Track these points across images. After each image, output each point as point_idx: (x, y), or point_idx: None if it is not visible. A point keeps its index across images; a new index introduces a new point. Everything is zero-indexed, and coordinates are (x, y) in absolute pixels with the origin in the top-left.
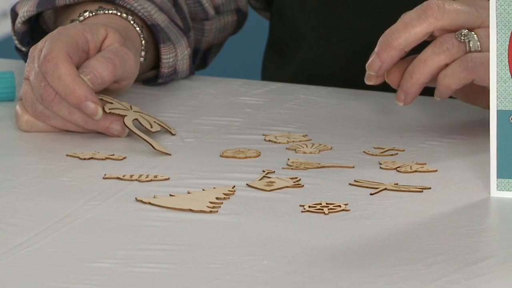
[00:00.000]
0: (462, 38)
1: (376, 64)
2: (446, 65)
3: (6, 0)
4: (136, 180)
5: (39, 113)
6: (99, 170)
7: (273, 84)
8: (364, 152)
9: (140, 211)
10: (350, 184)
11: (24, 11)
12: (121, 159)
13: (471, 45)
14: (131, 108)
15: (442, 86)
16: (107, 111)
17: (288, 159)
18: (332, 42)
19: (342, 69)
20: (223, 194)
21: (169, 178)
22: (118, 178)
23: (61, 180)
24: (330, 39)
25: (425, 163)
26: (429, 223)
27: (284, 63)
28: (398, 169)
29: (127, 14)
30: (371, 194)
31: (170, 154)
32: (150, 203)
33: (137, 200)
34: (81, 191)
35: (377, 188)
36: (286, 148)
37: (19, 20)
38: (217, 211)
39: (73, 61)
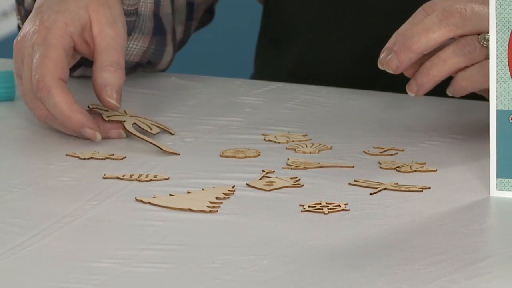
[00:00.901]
0: (485, 43)
1: (394, 64)
2: (465, 67)
3: (5, 0)
4: (136, 179)
5: (39, 116)
6: (99, 170)
7: (273, 84)
8: (364, 152)
9: (140, 211)
10: (349, 184)
11: None
12: (121, 159)
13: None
14: (126, 114)
15: (458, 87)
16: (106, 118)
17: (288, 159)
18: (333, 39)
19: (343, 67)
20: (223, 194)
21: (168, 177)
22: (118, 178)
23: (61, 180)
24: (332, 36)
25: (424, 163)
26: (428, 223)
27: (277, 54)
28: (397, 169)
29: None
30: (370, 194)
31: (179, 154)
32: (150, 203)
33: (137, 200)
34: (81, 191)
35: (376, 188)
36: (286, 148)
37: None
38: (217, 211)
39: (65, 85)
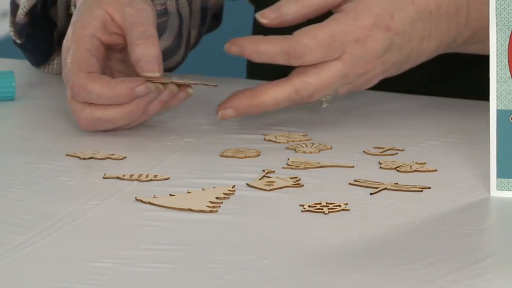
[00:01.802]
0: (323, 102)
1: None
2: None
3: (5, 0)
4: (136, 179)
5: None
6: (99, 169)
7: None
8: (364, 151)
9: (140, 211)
10: (350, 183)
11: (24, 2)
12: (121, 159)
13: (327, 100)
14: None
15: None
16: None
17: (288, 159)
18: None
19: None
20: (223, 193)
21: (169, 177)
22: (118, 177)
23: (61, 180)
24: None
25: (425, 163)
26: (429, 223)
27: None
28: (398, 168)
29: None
30: (371, 193)
31: (216, 85)
32: (150, 203)
33: (137, 199)
34: (81, 191)
35: (377, 188)
36: (286, 148)
37: (20, 11)
38: (217, 210)
39: (95, 75)
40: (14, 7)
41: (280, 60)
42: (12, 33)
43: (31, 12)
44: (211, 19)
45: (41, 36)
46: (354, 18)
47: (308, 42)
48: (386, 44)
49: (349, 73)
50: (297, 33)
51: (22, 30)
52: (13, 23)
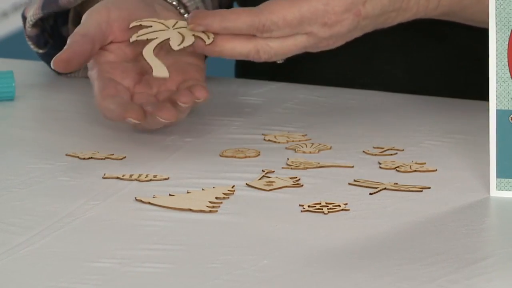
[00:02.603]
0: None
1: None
2: None
3: (5, 0)
4: (136, 179)
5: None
6: (98, 169)
7: (273, 84)
8: (363, 151)
9: (140, 211)
10: (349, 183)
11: (31, 15)
12: (121, 159)
13: None
14: (174, 25)
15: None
16: (131, 40)
17: (288, 159)
18: None
19: (340, 68)
20: (223, 193)
21: (168, 177)
22: (117, 177)
23: (60, 180)
24: None
25: (424, 163)
26: (428, 223)
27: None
28: (397, 168)
29: None
30: (370, 193)
31: (167, 77)
32: (149, 203)
33: (136, 199)
34: (81, 191)
35: (376, 188)
36: (286, 148)
37: (27, 24)
38: (217, 210)
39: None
40: (24, 20)
41: (246, 33)
42: (32, 46)
43: (42, 22)
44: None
45: (62, 44)
46: (326, 3)
47: (276, 20)
48: (351, 27)
49: (309, 47)
50: (266, 8)
51: (38, 41)
52: (27, 36)
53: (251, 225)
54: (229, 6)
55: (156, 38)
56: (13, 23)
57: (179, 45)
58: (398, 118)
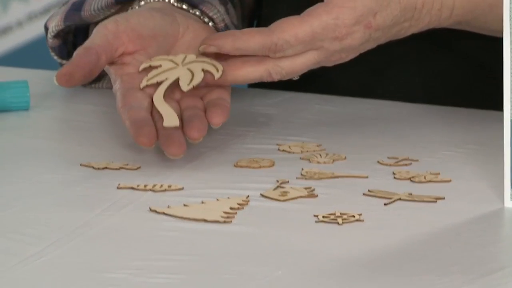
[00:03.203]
0: None
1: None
2: None
3: (20, 10)
4: (150, 190)
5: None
6: (113, 180)
7: (287, 94)
8: (378, 162)
9: (154, 221)
10: (364, 194)
11: (53, 26)
12: (135, 169)
13: None
14: (183, 60)
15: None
16: (141, 86)
17: (302, 169)
18: None
19: (355, 79)
20: (237, 204)
21: (183, 188)
22: (132, 188)
23: (75, 190)
24: None
25: (439, 173)
26: (443, 233)
27: None
28: (412, 179)
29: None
30: (385, 204)
31: (177, 126)
32: (164, 213)
33: (151, 210)
34: (95, 201)
35: (391, 198)
36: (300, 158)
37: (49, 35)
38: (231, 221)
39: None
40: (46, 30)
41: (259, 53)
42: (55, 57)
43: (64, 33)
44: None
45: None
46: (336, 17)
47: (288, 39)
48: (363, 40)
49: (321, 62)
50: (277, 28)
51: (61, 52)
52: (50, 47)
53: (265, 235)
54: (251, 18)
55: (166, 79)
56: (28, 33)
57: (188, 84)
58: (413, 128)
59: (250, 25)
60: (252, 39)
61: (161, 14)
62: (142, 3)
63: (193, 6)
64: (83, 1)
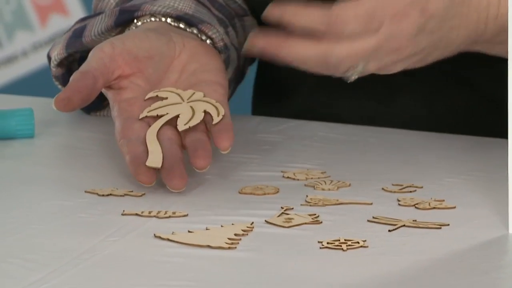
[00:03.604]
0: (353, 73)
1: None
2: None
3: (25, 40)
4: (155, 216)
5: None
6: (117, 206)
7: (292, 121)
8: (382, 188)
9: (159, 247)
10: (368, 220)
11: (55, 55)
12: (140, 196)
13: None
14: (190, 97)
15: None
16: (140, 117)
17: (307, 196)
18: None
19: (360, 109)
20: (242, 230)
21: (187, 214)
22: (136, 214)
23: (79, 216)
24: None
25: (443, 200)
26: (447, 260)
27: (278, 106)
28: (416, 205)
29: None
30: (389, 230)
31: (159, 168)
32: (168, 239)
33: (155, 236)
34: (100, 227)
35: (395, 225)
36: (305, 185)
37: (52, 64)
38: (236, 247)
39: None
40: (49, 60)
41: (319, 28)
42: (59, 86)
43: (68, 63)
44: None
45: None
46: None
47: (348, 14)
48: (419, 25)
49: (381, 48)
50: (336, 7)
51: (64, 80)
52: (53, 76)
53: (270, 262)
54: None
55: (166, 114)
56: (33, 62)
57: (185, 124)
58: (417, 155)
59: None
60: (312, 11)
61: (156, 34)
62: (139, 23)
63: (190, 25)
64: (84, 28)
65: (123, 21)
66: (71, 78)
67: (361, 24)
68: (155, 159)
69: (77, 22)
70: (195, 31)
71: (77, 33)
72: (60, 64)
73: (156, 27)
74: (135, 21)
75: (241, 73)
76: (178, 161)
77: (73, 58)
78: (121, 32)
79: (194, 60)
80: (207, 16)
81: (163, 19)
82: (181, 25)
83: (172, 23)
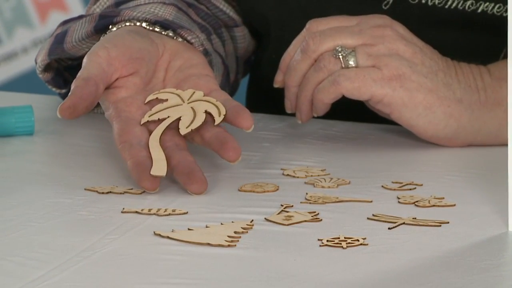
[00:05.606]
0: (338, 55)
1: (289, 105)
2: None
3: (25, 36)
4: (155, 214)
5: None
6: (117, 204)
7: (291, 119)
8: (382, 186)
9: (159, 245)
10: (368, 218)
11: (40, 61)
12: (140, 193)
13: (347, 60)
14: (190, 97)
15: (315, 101)
16: (142, 122)
17: (307, 193)
18: None
19: (360, 105)
20: (241, 228)
21: (187, 212)
22: (136, 212)
23: (79, 214)
24: None
25: (443, 197)
26: (447, 257)
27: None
28: (416, 203)
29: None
30: (389, 228)
31: (164, 175)
32: (168, 237)
33: (155, 234)
34: (100, 225)
35: (395, 223)
36: (305, 183)
37: (37, 70)
38: (235, 245)
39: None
40: (36, 64)
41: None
42: (53, 89)
43: (58, 63)
44: (243, 65)
45: None
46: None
47: (322, 21)
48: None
49: (361, 25)
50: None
51: (56, 82)
52: (45, 82)
53: (269, 259)
54: (246, 63)
55: (168, 117)
56: (33, 59)
57: (187, 127)
58: (417, 153)
59: (245, 65)
60: (293, 44)
61: (140, 36)
62: (114, 29)
63: (165, 28)
64: (66, 33)
65: (103, 26)
66: (73, 85)
67: (338, 22)
68: (160, 167)
69: (59, 26)
70: (170, 34)
71: (59, 39)
72: (46, 69)
73: (135, 30)
74: (110, 26)
75: (235, 83)
76: (193, 165)
77: (59, 63)
78: (99, 38)
79: (176, 57)
80: (187, 22)
81: (138, 23)
82: (156, 29)
83: (147, 27)
